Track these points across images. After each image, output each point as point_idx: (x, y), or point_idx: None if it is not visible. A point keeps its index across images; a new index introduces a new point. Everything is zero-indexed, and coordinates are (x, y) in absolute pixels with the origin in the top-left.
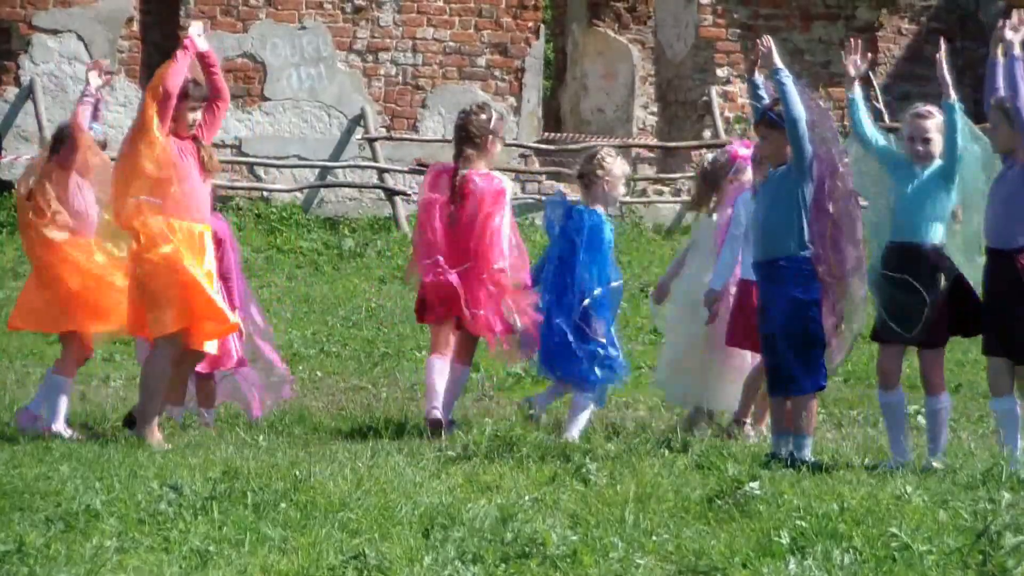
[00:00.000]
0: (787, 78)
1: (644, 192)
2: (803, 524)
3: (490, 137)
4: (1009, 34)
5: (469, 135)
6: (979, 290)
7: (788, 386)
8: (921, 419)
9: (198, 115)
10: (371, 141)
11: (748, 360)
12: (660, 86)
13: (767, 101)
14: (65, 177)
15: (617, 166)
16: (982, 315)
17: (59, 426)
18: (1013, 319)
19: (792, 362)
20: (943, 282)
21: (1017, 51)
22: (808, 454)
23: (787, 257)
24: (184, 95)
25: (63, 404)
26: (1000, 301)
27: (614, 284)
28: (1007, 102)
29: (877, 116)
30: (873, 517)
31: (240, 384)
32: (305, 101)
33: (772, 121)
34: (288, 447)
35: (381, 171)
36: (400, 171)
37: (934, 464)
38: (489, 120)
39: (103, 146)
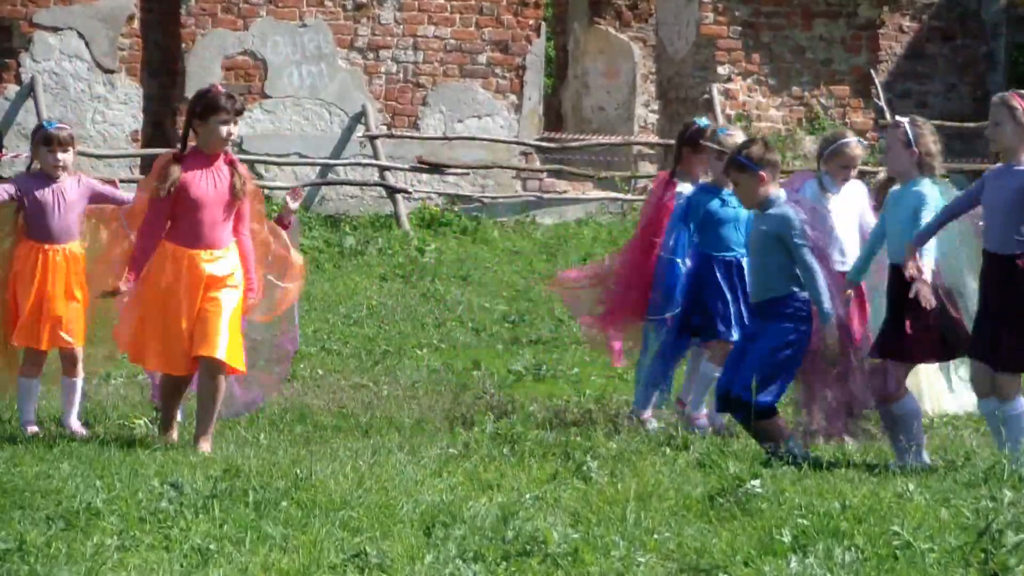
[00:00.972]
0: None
1: (645, 190)
2: (805, 522)
3: (685, 148)
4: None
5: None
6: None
7: (738, 411)
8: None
9: (233, 128)
10: (372, 139)
11: None
12: (661, 84)
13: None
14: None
15: (719, 140)
16: (975, 319)
17: (30, 427)
18: (1004, 326)
19: (749, 389)
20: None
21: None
22: (799, 449)
23: (788, 295)
24: (215, 108)
25: (31, 404)
26: (995, 306)
27: (667, 256)
28: (1011, 99)
29: (879, 114)
30: (875, 515)
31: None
32: (306, 99)
33: (742, 164)
34: (289, 445)
35: (382, 169)
36: (401, 169)
37: (926, 461)
38: (685, 131)
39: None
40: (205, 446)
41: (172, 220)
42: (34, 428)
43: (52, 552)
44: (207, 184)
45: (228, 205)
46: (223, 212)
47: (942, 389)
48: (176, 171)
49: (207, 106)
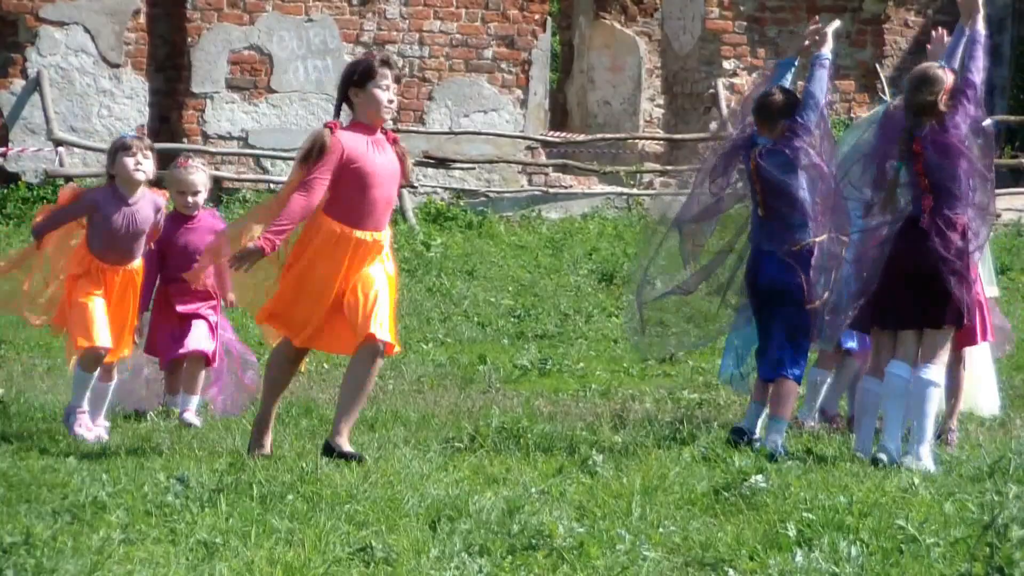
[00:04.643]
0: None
1: (651, 184)
2: (810, 516)
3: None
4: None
5: None
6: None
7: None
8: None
9: (392, 95)
10: None
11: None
12: (667, 79)
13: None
14: None
15: None
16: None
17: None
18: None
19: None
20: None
21: (979, 26)
22: (779, 439)
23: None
24: (372, 73)
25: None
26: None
27: None
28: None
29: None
30: (880, 509)
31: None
32: (312, 93)
33: None
34: (295, 439)
35: None
36: None
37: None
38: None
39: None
40: (344, 441)
41: (336, 197)
42: (87, 429)
43: (58, 545)
44: (377, 157)
45: (396, 183)
46: (393, 190)
47: (987, 390)
48: (334, 140)
49: (364, 72)
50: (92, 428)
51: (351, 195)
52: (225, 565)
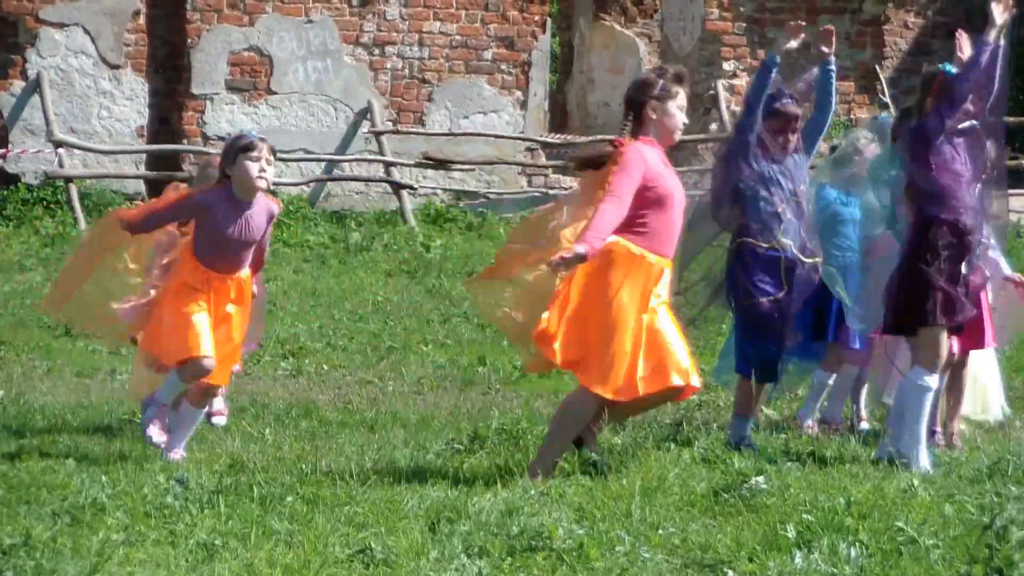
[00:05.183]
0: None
1: None
2: (809, 518)
3: None
4: (999, 17)
5: None
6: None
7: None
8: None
9: (685, 117)
10: (377, 135)
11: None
12: None
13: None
14: None
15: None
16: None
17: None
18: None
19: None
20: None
21: (990, 35)
22: (741, 433)
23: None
24: (673, 90)
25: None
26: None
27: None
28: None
29: (884, 110)
30: (879, 511)
31: None
32: (312, 95)
33: None
34: (294, 440)
35: (388, 165)
36: (407, 165)
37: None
38: None
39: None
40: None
41: (630, 218)
42: (180, 453)
43: (58, 547)
44: (670, 178)
45: (683, 208)
46: (680, 215)
47: (994, 396)
48: (639, 155)
49: (666, 88)
50: (163, 434)
51: (647, 216)
52: (224, 567)
